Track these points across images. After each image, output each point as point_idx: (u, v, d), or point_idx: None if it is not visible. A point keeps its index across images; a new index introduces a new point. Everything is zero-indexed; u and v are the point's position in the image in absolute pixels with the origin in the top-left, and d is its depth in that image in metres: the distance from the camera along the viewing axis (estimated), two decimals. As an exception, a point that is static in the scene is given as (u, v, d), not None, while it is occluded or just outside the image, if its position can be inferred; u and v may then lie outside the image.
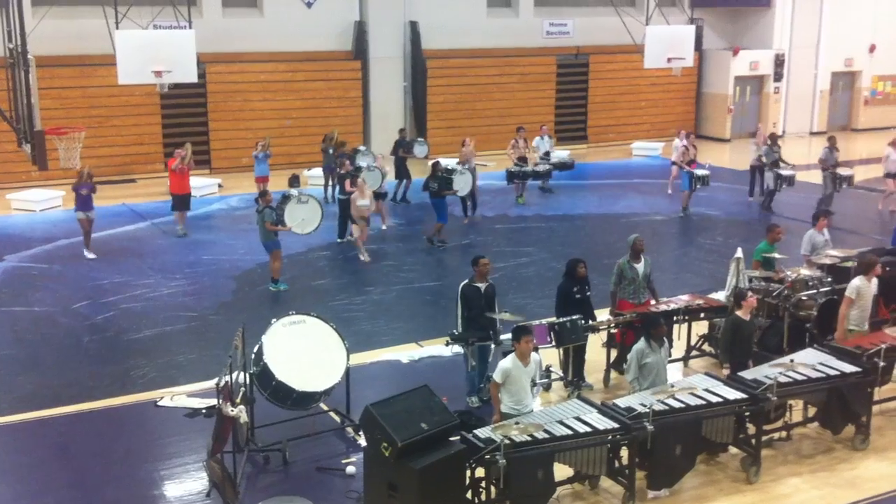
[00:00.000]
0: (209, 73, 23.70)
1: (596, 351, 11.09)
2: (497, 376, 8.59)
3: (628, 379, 9.26)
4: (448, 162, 19.48)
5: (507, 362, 8.59)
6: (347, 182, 16.92)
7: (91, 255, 16.53)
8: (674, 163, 21.29)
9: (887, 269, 12.28)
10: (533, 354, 8.69)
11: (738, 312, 9.82)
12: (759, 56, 30.67)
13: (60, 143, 17.14)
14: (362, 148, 20.91)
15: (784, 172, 19.90)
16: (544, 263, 16.13)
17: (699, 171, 19.96)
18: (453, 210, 18.62)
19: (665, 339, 9.36)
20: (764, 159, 20.11)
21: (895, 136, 20.02)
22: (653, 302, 11.26)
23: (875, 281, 10.75)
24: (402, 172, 21.08)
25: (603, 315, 11.10)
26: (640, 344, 9.13)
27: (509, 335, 9.08)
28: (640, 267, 11.10)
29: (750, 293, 9.93)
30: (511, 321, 9.94)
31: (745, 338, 9.68)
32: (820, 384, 9.18)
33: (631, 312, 10.75)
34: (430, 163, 18.96)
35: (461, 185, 18.55)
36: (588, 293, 10.80)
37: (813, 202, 19.51)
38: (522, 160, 21.67)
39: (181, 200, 18.20)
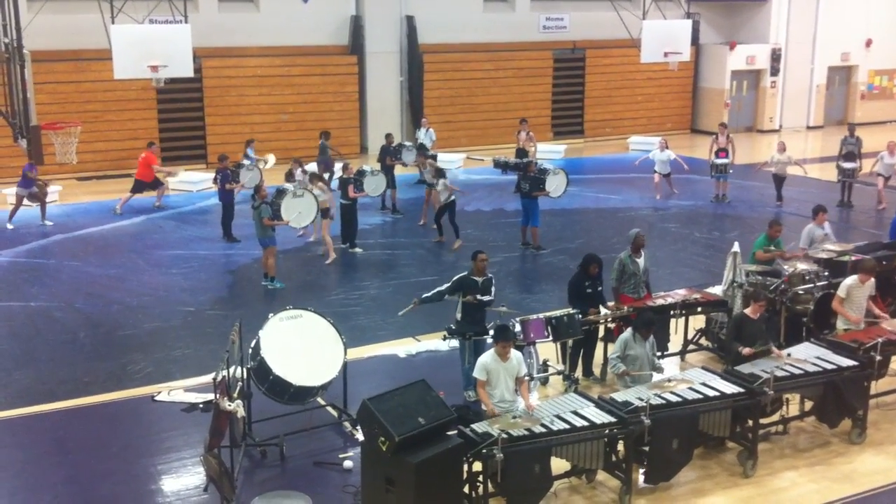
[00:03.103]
0: (205, 68, 23.64)
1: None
2: (477, 373, 8.65)
3: (611, 356, 9.45)
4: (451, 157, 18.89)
5: (486, 357, 8.68)
6: (350, 187, 16.38)
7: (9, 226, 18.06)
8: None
9: (883, 262, 12.30)
10: (514, 352, 8.73)
11: (747, 310, 9.87)
12: (755, 51, 30.67)
13: (56, 138, 17.16)
14: (246, 162, 19.23)
15: (846, 165, 19.66)
16: (541, 258, 16.11)
17: (717, 161, 20.21)
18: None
19: (652, 337, 9.42)
20: (843, 151, 19.99)
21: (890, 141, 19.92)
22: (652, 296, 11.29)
23: (871, 282, 10.72)
24: (388, 181, 19.17)
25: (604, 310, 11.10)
26: (627, 334, 9.37)
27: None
28: (640, 261, 11.15)
29: (763, 301, 9.96)
30: (505, 315, 9.97)
31: (747, 335, 9.69)
32: (816, 378, 9.19)
33: (629, 307, 10.76)
34: (524, 162, 18.44)
35: (554, 185, 17.25)
36: (600, 288, 10.89)
37: (818, 197, 19.32)
38: (522, 153, 21.81)
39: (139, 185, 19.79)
